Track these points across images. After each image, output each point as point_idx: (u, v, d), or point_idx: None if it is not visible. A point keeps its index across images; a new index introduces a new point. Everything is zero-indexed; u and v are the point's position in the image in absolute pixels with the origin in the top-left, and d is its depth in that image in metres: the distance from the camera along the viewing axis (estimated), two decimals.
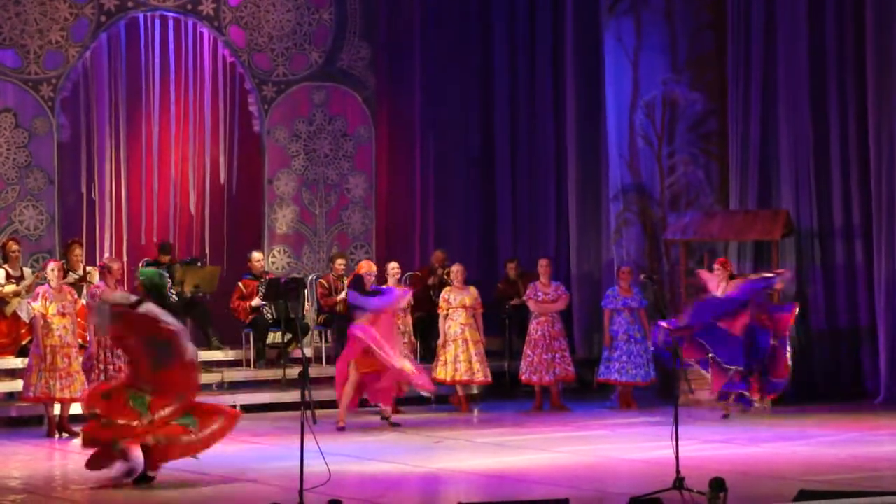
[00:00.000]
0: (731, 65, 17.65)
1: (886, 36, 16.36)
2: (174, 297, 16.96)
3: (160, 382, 11.15)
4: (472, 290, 16.39)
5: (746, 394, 15.26)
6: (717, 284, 15.38)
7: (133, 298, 11.66)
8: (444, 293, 16.40)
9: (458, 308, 16.22)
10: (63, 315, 14.30)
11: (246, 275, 17.41)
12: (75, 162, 18.08)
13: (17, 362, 15.63)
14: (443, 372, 16.18)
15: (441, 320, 16.30)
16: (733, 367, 14.98)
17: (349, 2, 19.14)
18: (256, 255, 17.62)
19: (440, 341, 16.28)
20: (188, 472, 12.00)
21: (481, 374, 16.27)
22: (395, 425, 14.93)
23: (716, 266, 15.61)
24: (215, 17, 18.46)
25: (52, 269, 14.52)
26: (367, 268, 15.15)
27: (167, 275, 13.00)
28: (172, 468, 12.13)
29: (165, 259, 17.30)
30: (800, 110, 17.08)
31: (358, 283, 14.91)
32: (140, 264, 17.59)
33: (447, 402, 16.57)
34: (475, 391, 17.00)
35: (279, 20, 18.82)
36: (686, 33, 18.00)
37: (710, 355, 14.96)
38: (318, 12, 19.04)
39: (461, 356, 16.14)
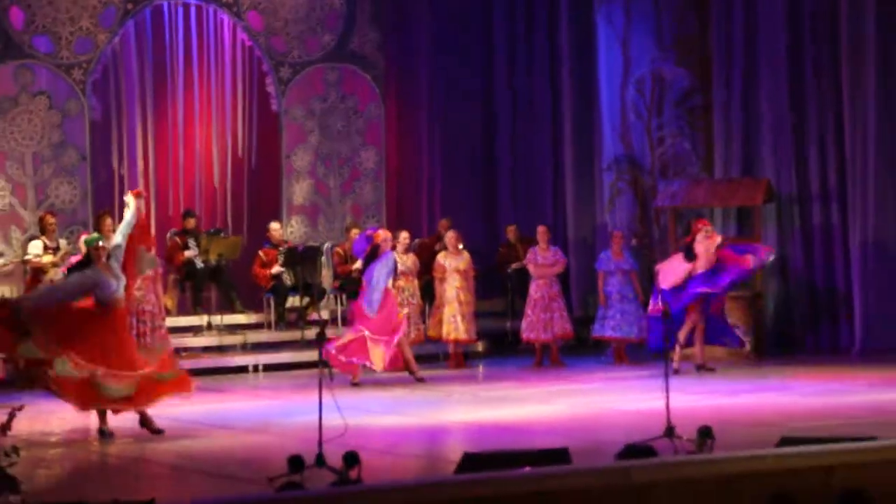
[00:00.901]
0: (715, 43, 17.61)
1: (859, 15, 16.30)
2: (200, 264, 17.00)
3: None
4: (466, 255, 16.40)
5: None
6: (705, 251, 15.26)
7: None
8: (440, 258, 16.43)
9: (452, 272, 16.24)
10: None
11: (266, 244, 17.42)
12: (106, 140, 18.05)
13: None
14: (436, 331, 16.23)
15: (437, 283, 16.35)
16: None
17: None
18: (275, 225, 17.63)
19: (436, 303, 16.31)
20: (216, 427, 12.05)
21: (471, 333, 16.31)
22: (421, 380, 14.94)
23: (702, 227, 15.46)
24: (234, 4, 18.39)
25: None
26: (385, 235, 15.18)
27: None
28: (199, 422, 12.19)
29: (191, 223, 17.32)
30: (779, 84, 17.04)
31: (373, 253, 14.92)
32: (167, 234, 17.60)
33: (446, 360, 16.55)
34: (480, 349, 17.05)
35: (294, 6, 18.75)
36: (672, 14, 17.96)
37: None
38: None
39: (458, 316, 16.17)
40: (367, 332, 14.61)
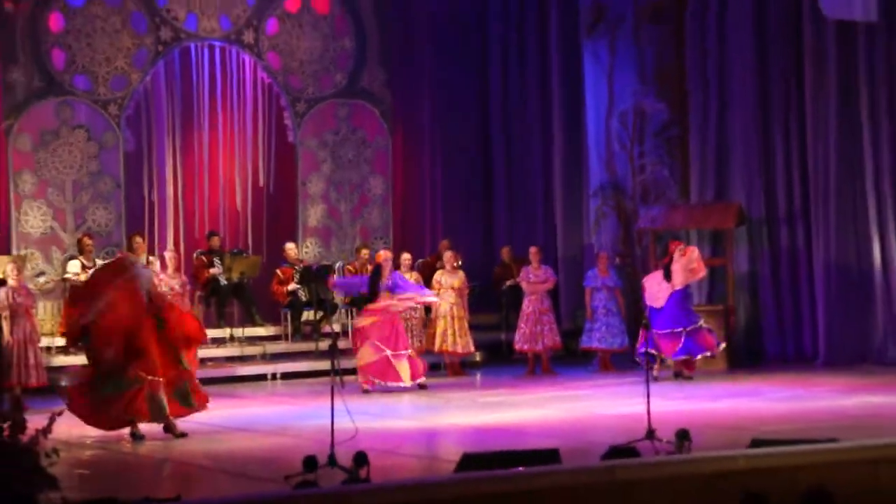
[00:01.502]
0: (691, 79, 17.63)
1: (821, 53, 16.30)
2: (224, 282, 17.02)
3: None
4: (461, 273, 16.39)
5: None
6: (681, 268, 15.27)
7: None
8: (437, 276, 16.42)
9: (448, 289, 16.23)
10: None
11: (283, 263, 17.44)
12: (138, 169, 18.08)
13: None
14: (430, 343, 16.24)
15: None
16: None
17: (367, 31, 19.14)
18: (291, 245, 17.66)
19: (432, 316, 16.34)
20: (237, 430, 12.03)
21: (468, 346, 16.28)
22: (423, 387, 14.95)
23: (675, 247, 15.50)
24: (255, 45, 18.45)
25: None
26: (386, 255, 15.25)
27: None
28: (222, 425, 12.18)
29: (215, 243, 17.37)
30: (749, 116, 17.04)
31: (377, 272, 14.98)
32: (194, 254, 17.61)
33: (446, 369, 16.53)
34: (478, 359, 17.05)
35: (308, 47, 18.82)
36: (652, 52, 17.96)
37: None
38: (341, 40, 19.03)
39: (449, 330, 16.15)
40: (388, 352, 14.63)
